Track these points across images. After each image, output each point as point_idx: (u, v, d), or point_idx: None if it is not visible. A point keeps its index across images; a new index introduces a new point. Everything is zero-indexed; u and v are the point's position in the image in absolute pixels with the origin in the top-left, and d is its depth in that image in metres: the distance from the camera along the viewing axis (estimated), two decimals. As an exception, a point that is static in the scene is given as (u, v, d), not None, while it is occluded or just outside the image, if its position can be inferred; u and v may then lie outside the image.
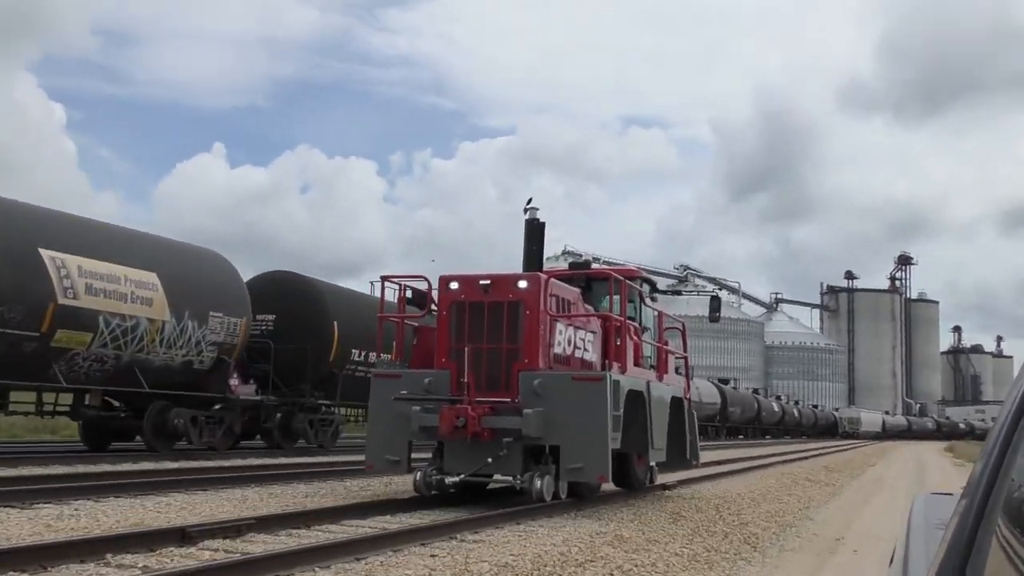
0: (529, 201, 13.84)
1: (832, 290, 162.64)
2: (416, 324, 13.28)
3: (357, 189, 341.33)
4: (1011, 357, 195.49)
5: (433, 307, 12.47)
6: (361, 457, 12.79)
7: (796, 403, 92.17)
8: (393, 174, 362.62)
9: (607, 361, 12.41)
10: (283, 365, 22.36)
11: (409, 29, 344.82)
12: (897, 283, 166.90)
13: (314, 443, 23.88)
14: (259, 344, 22.20)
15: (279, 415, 23.12)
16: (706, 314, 17.65)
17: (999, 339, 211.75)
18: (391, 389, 11.93)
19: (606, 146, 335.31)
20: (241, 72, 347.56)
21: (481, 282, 11.93)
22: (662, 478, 16.03)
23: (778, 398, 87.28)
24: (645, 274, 16.04)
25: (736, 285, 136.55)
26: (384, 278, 13.20)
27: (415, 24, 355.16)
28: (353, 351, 24.17)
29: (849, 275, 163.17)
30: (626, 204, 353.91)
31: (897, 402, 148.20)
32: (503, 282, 11.93)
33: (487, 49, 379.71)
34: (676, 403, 14.83)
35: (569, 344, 12.35)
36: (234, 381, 21.12)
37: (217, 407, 20.80)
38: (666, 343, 15.58)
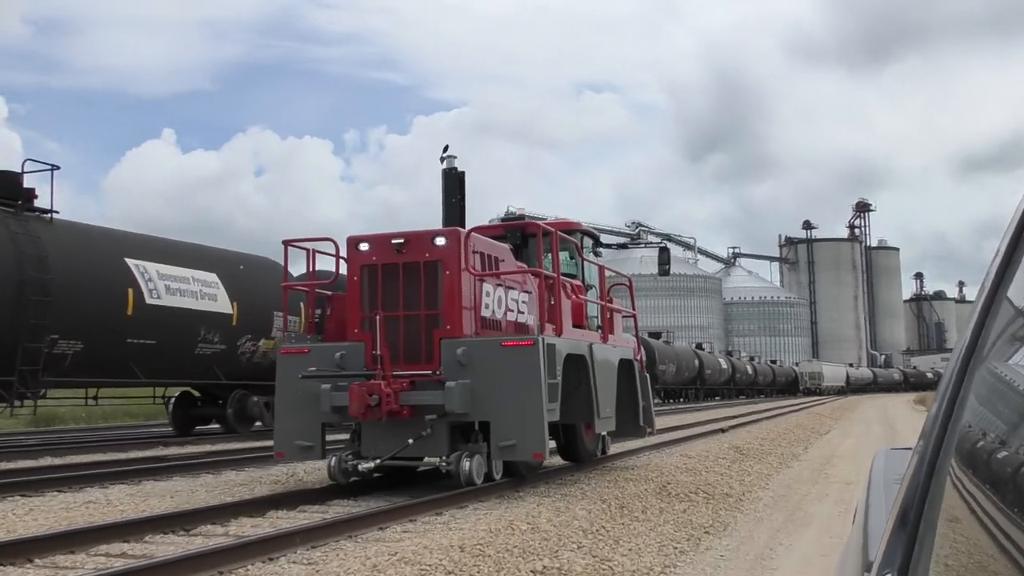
0: (445, 149, 12.34)
1: (791, 242, 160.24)
2: (329, 292, 11.93)
3: (313, 169, 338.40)
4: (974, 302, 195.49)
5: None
6: None
7: (751, 359, 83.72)
8: (348, 152, 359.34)
9: (542, 323, 11.11)
10: None
11: (352, 5, 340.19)
12: (856, 231, 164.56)
13: None
14: None
15: None
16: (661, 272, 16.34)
17: (961, 284, 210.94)
18: (299, 365, 10.65)
19: (560, 113, 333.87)
20: (184, 56, 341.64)
21: (394, 241, 10.61)
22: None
23: (728, 354, 79.52)
24: (586, 227, 14.68)
25: (691, 241, 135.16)
26: (286, 242, 11.82)
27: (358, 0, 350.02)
28: None
29: (807, 225, 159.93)
30: (583, 170, 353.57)
31: (862, 354, 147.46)
32: (418, 240, 10.61)
33: (433, 21, 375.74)
34: (625, 366, 13.53)
35: (500, 306, 11.08)
36: None
37: None
38: (611, 301, 14.30)
